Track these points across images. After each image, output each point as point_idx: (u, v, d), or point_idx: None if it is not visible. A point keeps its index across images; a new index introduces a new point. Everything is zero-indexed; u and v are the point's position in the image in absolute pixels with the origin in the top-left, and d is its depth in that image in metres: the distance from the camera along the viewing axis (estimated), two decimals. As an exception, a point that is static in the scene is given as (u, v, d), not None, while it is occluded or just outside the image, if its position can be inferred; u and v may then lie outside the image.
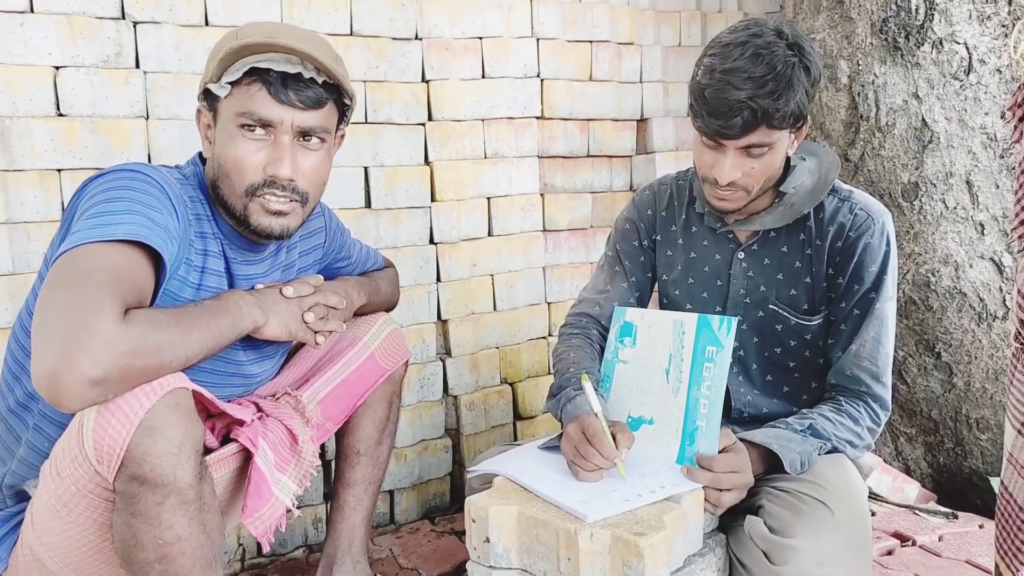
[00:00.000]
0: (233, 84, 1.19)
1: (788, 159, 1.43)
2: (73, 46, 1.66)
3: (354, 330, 1.52)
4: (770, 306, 1.46)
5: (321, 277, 1.42)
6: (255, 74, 1.17)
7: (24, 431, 1.20)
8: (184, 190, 1.21)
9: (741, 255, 1.48)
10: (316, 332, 1.33)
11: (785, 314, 1.45)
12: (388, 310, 1.64)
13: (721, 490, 1.22)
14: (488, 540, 1.18)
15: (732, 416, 1.50)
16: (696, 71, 1.32)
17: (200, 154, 1.32)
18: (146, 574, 1.03)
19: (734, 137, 1.29)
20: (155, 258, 1.09)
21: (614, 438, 1.23)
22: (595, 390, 1.29)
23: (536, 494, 1.21)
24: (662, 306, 1.62)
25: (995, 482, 2.06)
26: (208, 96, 1.23)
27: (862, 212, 1.40)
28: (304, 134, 1.22)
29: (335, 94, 1.25)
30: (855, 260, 1.39)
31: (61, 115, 1.66)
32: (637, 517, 1.12)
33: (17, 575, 1.21)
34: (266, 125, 1.19)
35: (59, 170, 1.66)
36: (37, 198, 1.64)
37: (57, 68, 1.65)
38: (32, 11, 1.62)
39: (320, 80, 1.21)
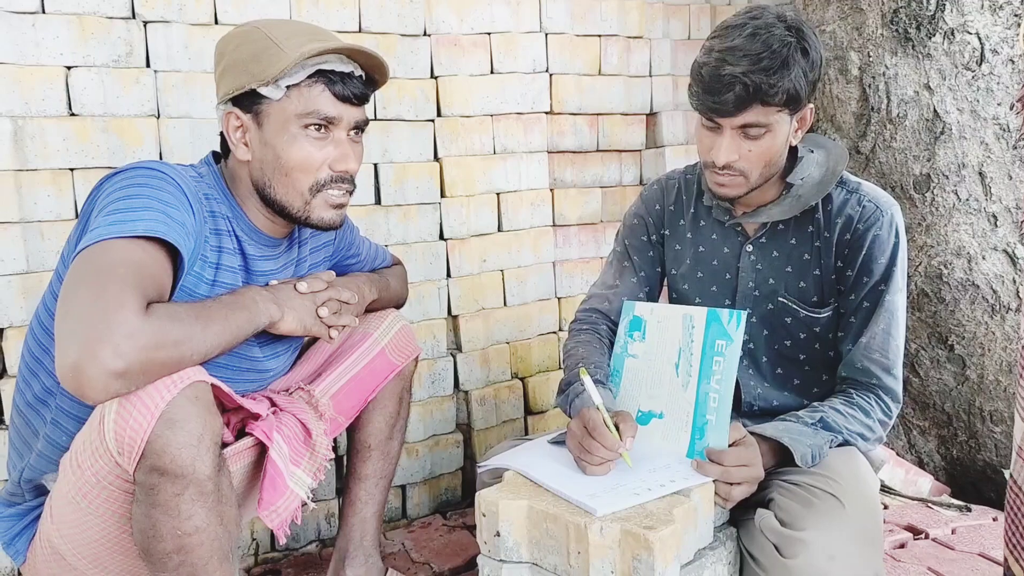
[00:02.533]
0: (290, 87, 1.22)
1: (795, 150, 1.43)
2: (84, 46, 1.67)
3: (364, 326, 1.53)
4: (779, 299, 1.46)
5: (333, 273, 1.43)
6: (317, 76, 1.22)
7: (42, 426, 1.22)
8: (199, 187, 1.23)
9: (749, 248, 1.48)
10: (330, 327, 1.34)
11: (794, 307, 1.45)
12: (398, 307, 1.65)
13: (731, 484, 1.22)
14: (499, 534, 1.18)
15: (742, 409, 1.50)
16: (698, 53, 1.34)
17: (214, 153, 1.33)
18: (164, 565, 1.05)
19: (728, 114, 1.30)
20: (173, 254, 1.11)
21: (617, 429, 1.23)
22: (598, 383, 1.29)
23: (546, 488, 1.21)
24: (671, 300, 1.62)
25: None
26: (244, 99, 1.24)
27: (871, 204, 1.40)
28: (355, 128, 1.29)
29: (370, 88, 1.32)
30: (864, 252, 1.38)
31: (73, 115, 1.68)
32: (647, 511, 1.12)
33: (36, 568, 1.23)
34: (328, 123, 1.25)
35: (72, 169, 1.68)
36: (50, 197, 1.66)
37: (69, 68, 1.67)
38: (43, 12, 1.64)
39: (363, 76, 1.29)
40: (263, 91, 1.21)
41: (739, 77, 1.26)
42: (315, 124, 1.23)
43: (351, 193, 1.32)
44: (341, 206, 1.30)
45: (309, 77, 1.22)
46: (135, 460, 1.00)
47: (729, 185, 1.37)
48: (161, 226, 1.08)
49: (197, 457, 1.02)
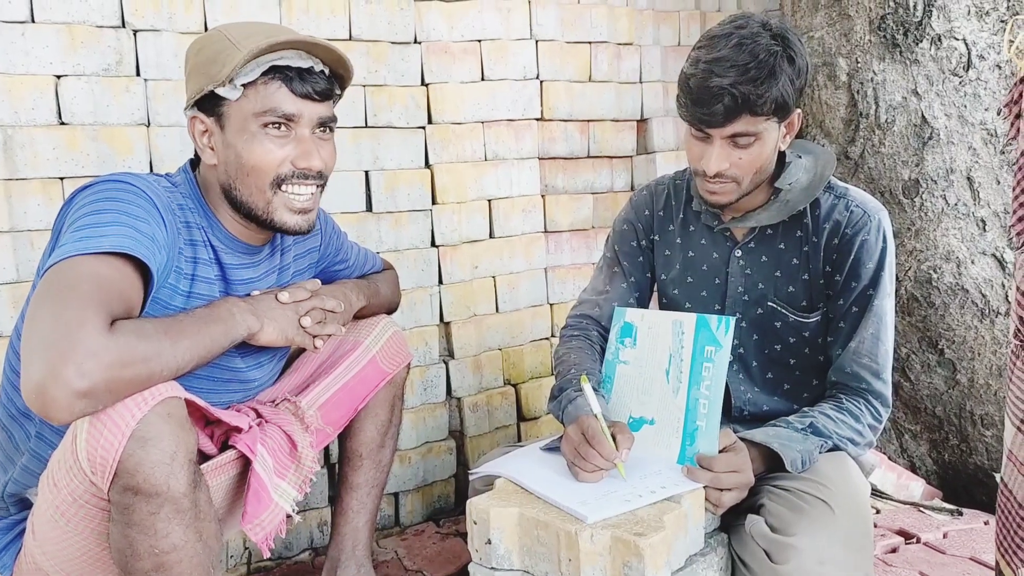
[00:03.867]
0: (246, 85, 1.19)
1: (783, 156, 1.44)
2: (74, 55, 1.67)
3: (355, 334, 1.52)
4: (768, 303, 1.47)
5: (318, 281, 1.42)
6: (272, 72, 1.20)
7: (25, 440, 1.21)
8: (172, 198, 1.22)
9: (738, 253, 1.48)
10: (314, 336, 1.33)
11: (783, 311, 1.46)
12: (389, 312, 1.65)
13: (722, 490, 1.22)
14: (490, 542, 1.18)
15: (732, 414, 1.50)
16: (685, 64, 1.35)
17: (191, 161, 1.31)
18: None
19: (718, 125, 1.30)
20: (142, 268, 1.09)
21: (614, 439, 1.23)
22: (595, 391, 1.30)
23: (537, 495, 1.22)
24: (661, 306, 1.62)
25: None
26: (206, 102, 1.22)
27: (858, 209, 1.41)
28: (320, 125, 1.26)
29: (335, 84, 1.29)
30: (852, 257, 1.39)
31: (63, 124, 1.67)
32: (637, 517, 1.13)
33: (21, 582, 1.22)
34: (288, 121, 1.22)
35: (62, 178, 1.67)
36: (40, 206, 1.65)
37: (58, 77, 1.66)
38: (33, 21, 1.63)
39: (326, 71, 1.25)
40: (221, 92, 1.19)
41: (727, 88, 1.26)
42: (274, 122, 1.21)
43: (321, 188, 1.29)
44: (305, 211, 1.27)
45: (264, 74, 1.19)
46: (108, 479, 0.99)
47: (721, 193, 1.38)
48: (129, 241, 1.06)
49: (171, 475, 1.00)
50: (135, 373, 0.99)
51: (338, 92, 1.31)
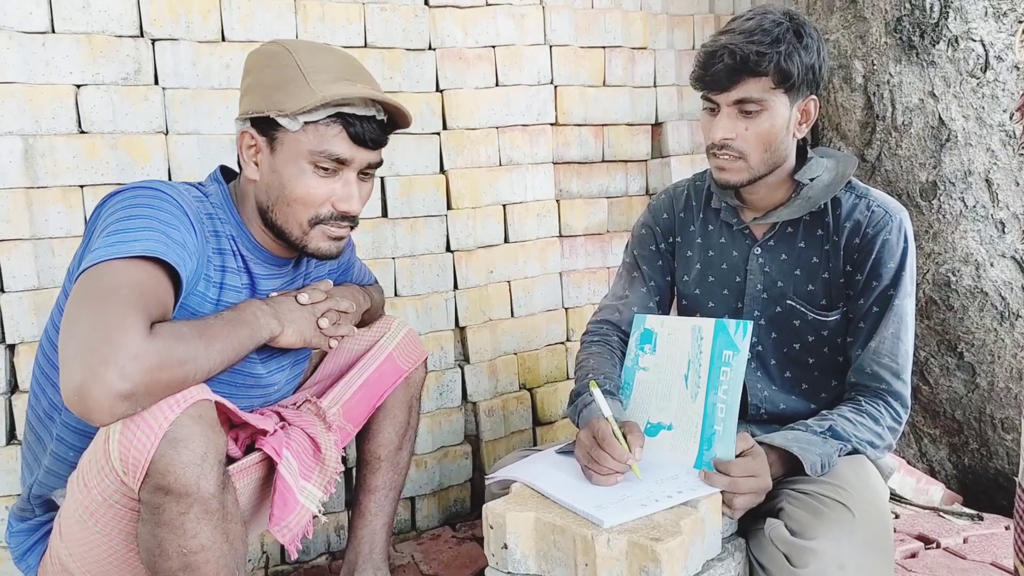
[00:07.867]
0: (307, 123, 1.21)
1: (805, 151, 1.45)
2: (93, 64, 1.69)
3: (371, 333, 1.55)
4: (787, 301, 1.46)
5: (331, 282, 1.43)
6: (336, 116, 1.21)
7: (49, 441, 1.23)
8: (202, 207, 1.23)
9: (758, 251, 1.48)
10: (329, 337, 1.35)
11: (802, 309, 1.45)
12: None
13: (738, 494, 1.21)
14: (506, 546, 1.18)
15: (749, 413, 1.49)
16: None
17: (222, 168, 1.33)
18: None
19: (721, 88, 1.34)
20: (173, 274, 1.11)
21: (625, 439, 1.23)
22: (608, 394, 1.30)
23: (553, 500, 1.22)
24: (680, 308, 1.62)
25: (1021, 483, 2.04)
26: (261, 120, 1.22)
27: (879, 209, 1.40)
28: (367, 168, 1.28)
29: (388, 130, 1.30)
30: (873, 257, 1.39)
31: (83, 132, 1.70)
32: (654, 522, 1.12)
33: (46, 583, 1.23)
34: (339, 164, 1.24)
35: (82, 186, 1.70)
36: (61, 214, 1.67)
37: (78, 86, 1.69)
38: (53, 31, 1.66)
39: (384, 119, 1.27)
40: (281, 120, 1.20)
41: (727, 46, 1.31)
42: (325, 163, 1.23)
43: (352, 228, 1.31)
44: (340, 238, 1.30)
45: (328, 116, 1.21)
46: (140, 479, 1.01)
47: (729, 169, 1.39)
48: (160, 246, 1.07)
49: (201, 476, 1.02)
50: (172, 376, 1.01)
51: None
